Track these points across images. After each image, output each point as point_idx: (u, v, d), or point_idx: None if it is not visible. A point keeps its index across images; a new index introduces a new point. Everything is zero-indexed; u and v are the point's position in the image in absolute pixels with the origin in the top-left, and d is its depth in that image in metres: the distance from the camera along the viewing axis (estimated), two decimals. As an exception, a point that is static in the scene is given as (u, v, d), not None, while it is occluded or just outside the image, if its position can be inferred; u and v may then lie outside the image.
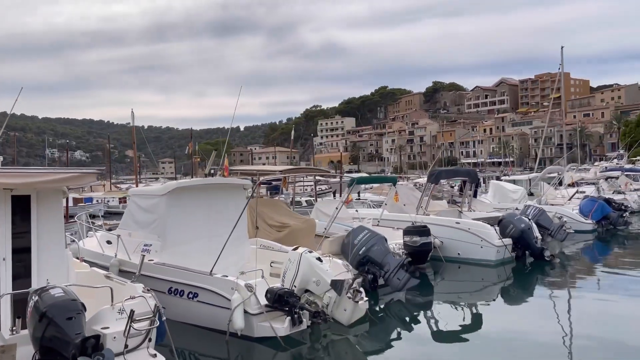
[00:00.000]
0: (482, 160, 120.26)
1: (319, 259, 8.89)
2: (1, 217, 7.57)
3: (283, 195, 30.96)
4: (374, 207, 20.40)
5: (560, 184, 28.32)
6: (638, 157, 59.08)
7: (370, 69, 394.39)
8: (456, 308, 11.45)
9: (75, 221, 13.60)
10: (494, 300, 12.50)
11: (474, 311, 11.13)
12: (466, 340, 9.02)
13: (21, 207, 7.81)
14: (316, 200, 31.81)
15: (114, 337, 6.59)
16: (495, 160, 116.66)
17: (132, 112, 29.53)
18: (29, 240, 7.82)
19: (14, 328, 6.79)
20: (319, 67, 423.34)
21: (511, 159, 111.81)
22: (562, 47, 32.44)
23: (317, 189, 36.87)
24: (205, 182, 10.69)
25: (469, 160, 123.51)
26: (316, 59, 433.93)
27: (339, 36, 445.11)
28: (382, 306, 11.10)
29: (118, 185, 41.79)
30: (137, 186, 28.69)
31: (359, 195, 33.47)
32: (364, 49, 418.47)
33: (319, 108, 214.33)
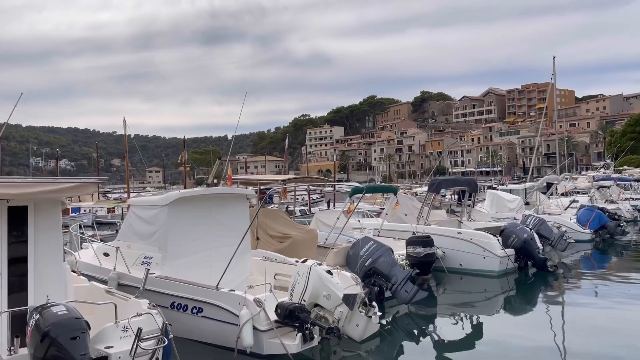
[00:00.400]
0: (471, 169, 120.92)
1: (329, 271, 8.57)
2: (-3, 230, 7.17)
3: (276, 205, 30.58)
4: (371, 217, 20.14)
5: (552, 193, 28.37)
6: (625, 167, 59.74)
7: (358, 79, 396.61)
8: (462, 320, 11.24)
9: (68, 232, 13.13)
10: (498, 311, 12.35)
11: (480, 323, 10.99)
12: (475, 353, 8.86)
13: (18, 218, 7.41)
14: (310, 210, 31.55)
15: (119, 357, 6.23)
16: (484, 169, 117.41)
17: (124, 120, 29.09)
18: (25, 254, 7.43)
19: (12, 348, 6.39)
20: (307, 76, 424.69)
21: (499, 168, 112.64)
22: (554, 57, 32.68)
23: (309, 199, 36.55)
24: (208, 192, 10.32)
25: (458, 170, 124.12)
26: (304, 68, 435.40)
27: (327, 46, 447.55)
28: (389, 319, 10.81)
29: (107, 195, 40.94)
30: (128, 195, 28.12)
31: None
32: (352, 59, 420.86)
33: (307, 117, 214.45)
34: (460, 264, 15.16)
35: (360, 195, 15.57)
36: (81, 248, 12.13)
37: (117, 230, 21.92)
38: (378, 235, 15.04)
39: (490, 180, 74.46)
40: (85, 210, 33.32)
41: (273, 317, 7.82)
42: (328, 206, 31.87)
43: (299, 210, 29.95)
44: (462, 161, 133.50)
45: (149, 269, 7.87)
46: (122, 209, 32.28)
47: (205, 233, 10.00)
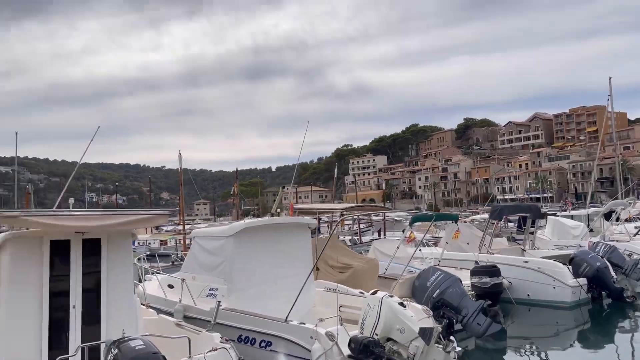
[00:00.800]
0: (520, 196, 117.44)
1: (401, 304, 8.18)
2: (73, 262, 7.24)
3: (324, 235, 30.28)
4: (429, 246, 19.56)
5: (617, 219, 26.90)
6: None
7: (400, 108, 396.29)
8: (535, 354, 10.67)
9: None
10: (573, 345, 11.65)
11: (554, 357, 10.40)
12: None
13: (92, 251, 7.47)
14: (360, 239, 31.11)
15: None
16: (534, 195, 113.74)
17: (179, 154, 29.76)
18: (98, 287, 7.45)
19: (87, 383, 6.32)
20: (349, 108, 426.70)
21: (550, 194, 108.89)
22: (610, 78, 31.47)
23: (359, 227, 36.10)
24: (272, 222, 10.20)
25: (506, 197, 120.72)
26: (346, 99, 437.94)
27: (368, 77, 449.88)
28: (460, 354, 10.25)
29: (160, 227, 41.69)
30: (183, 228, 28.49)
31: (403, 233, 32.49)
32: (393, 89, 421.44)
33: (350, 147, 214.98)
34: (528, 295, 14.39)
35: (421, 223, 15.18)
36: (144, 280, 12.18)
37: (172, 262, 22.20)
38: (438, 265, 14.52)
39: (541, 206, 71.82)
40: (139, 243, 33.95)
41: (346, 351, 7.48)
42: (379, 235, 31.35)
43: (349, 240, 29.53)
44: (510, 188, 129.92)
45: (219, 302, 7.72)
46: (175, 240, 32.75)
47: (270, 264, 9.83)
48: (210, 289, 9.58)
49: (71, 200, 9.09)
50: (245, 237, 9.60)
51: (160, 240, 37.33)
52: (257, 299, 9.41)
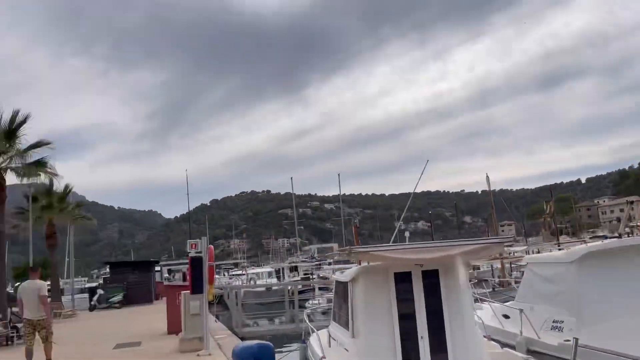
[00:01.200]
0: None
1: None
2: (416, 293, 7.49)
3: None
4: None
5: None
6: None
7: None
8: None
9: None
10: None
11: None
12: None
13: (431, 282, 7.61)
14: None
15: None
16: None
17: (487, 176, 29.30)
18: (441, 318, 7.49)
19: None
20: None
21: None
22: None
23: None
24: (622, 244, 8.70)
25: None
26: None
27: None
28: None
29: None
30: (501, 254, 27.45)
31: None
32: None
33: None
34: None
35: None
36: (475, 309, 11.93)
37: (493, 288, 21.53)
38: None
39: None
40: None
41: None
42: None
43: None
44: None
45: (577, 338, 6.81)
46: (488, 265, 31.89)
47: (625, 293, 8.34)
48: (554, 321, 8.68)
49: (407, 234, 9.56)
50: (591, 262, 8.41)
51: (473, 265, 36.93)
52: (615, 335, 8.03)
